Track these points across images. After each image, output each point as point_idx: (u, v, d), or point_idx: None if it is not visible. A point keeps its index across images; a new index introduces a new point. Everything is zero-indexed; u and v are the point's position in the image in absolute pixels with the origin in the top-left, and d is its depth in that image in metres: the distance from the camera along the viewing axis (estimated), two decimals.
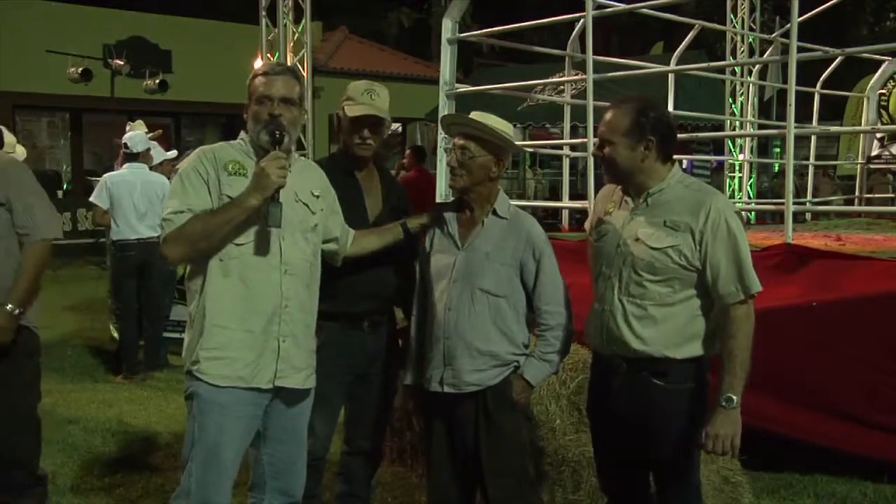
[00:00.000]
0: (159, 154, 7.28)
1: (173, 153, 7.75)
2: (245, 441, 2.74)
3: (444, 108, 6.23)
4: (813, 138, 9.14)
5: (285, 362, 2.71)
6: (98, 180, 7.09)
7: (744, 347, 2.65)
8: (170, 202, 2.68)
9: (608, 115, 2.79)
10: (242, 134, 2.83)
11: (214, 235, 2.62)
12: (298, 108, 2.78)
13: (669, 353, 2.71)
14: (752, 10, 10.56)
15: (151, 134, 7.93)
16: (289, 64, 8.85)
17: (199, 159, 2.72)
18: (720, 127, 10.26)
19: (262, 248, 2.68)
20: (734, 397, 2.63)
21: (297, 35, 8.71)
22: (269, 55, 8.57)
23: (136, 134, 6.91)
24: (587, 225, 3.11)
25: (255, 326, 2.67)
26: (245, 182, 2.66)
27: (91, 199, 6.64)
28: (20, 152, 6.51)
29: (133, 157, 6.74)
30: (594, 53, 5.59)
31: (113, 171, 7.02)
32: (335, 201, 2.99)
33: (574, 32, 7.23)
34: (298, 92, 2.78)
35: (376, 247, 3.11)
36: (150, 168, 6.92)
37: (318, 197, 2.87)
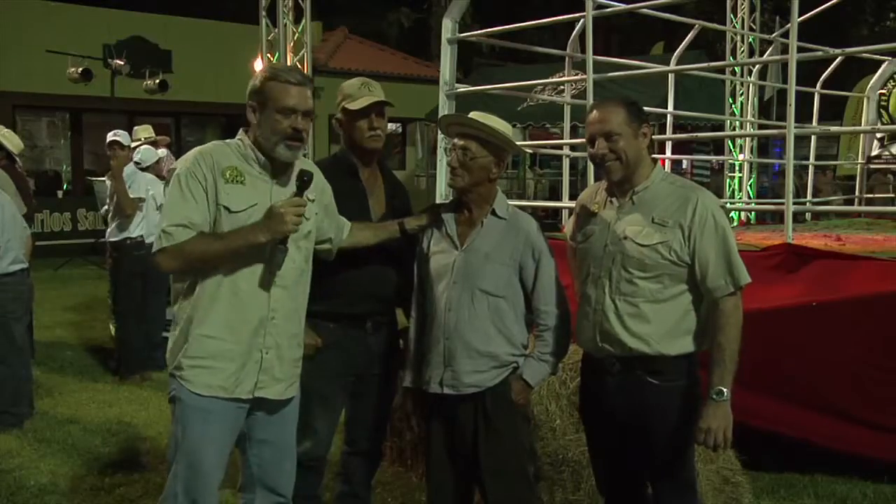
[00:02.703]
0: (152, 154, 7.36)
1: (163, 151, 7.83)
2: (229, 443, 2.72)
3: (444, 108, 6.22)
4: (813, 138, 9.13)
5: (266, 374, 2.69)
6: (97, 180, 7.10)
7: (733, 340, 2.68)
8: (169, 211, 2.58)
9: (599, 114, 2.78)
10: (242, 135, 2.73)
11: (213, 261, 2.58)
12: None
13: (664, 350, 2.72)
14: (752, 10, 10.57)
15: (158, 137, 8.04)
16: (289, 64, 8.89)
17: (198, 163, 2.62)
18: (720, 127, 10.27)
19: (264, 282, 2.65)
20: (724, 390, 2.66)
21: (297, 35, 8.71)
22: (269, 55, 8.58)
23: (146, 149, 7.01)
24: (567, 228, 3.11)
25: (241, 337, 2.64)
26: (242, 190, 2.61)
27: (132, 194, 6.50)
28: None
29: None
30: (594, 53, 5.59)
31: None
32: (331, 201, 2.95)
33: (574, 32, 7.23)
34: (313, 102, 2.76)
35: (370, 242, 3.08)
36: (144, 169, 6.95)
37: (313, 201, 2.80)
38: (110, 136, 6.61)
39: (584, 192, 3.10)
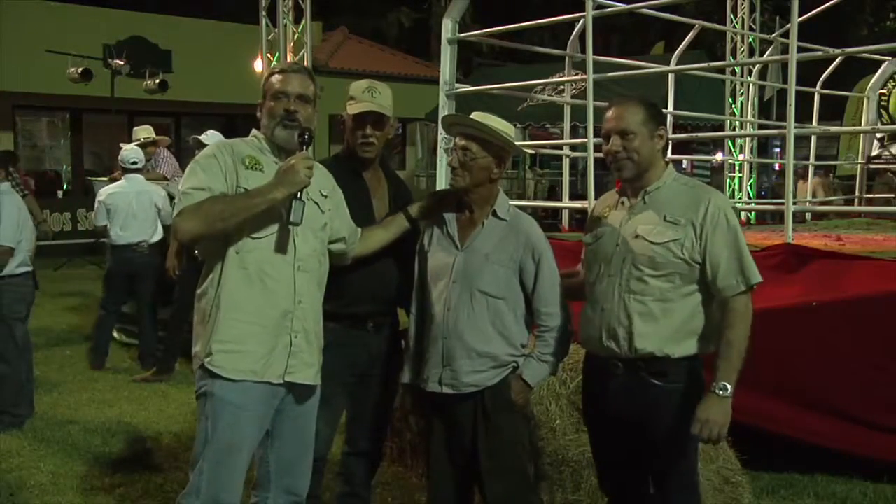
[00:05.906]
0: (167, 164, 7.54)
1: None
2: (257, 440, 2.74)
3: (444, 108, 6.23)
4: (813, 138, 9.13)
5: (296, 358, 2.73)
6: (97, 180, 7.14)
7: (742, 338, 2.69)
8: (188, 180, 2.69)
9: (617, 111, 2.80)
10: (256, 132, 2.86)
11: (233, 219, 2.61)
12: (313, 106, 2.83)
13: (668, 351, 2.72)
14: (752, 10, 10.56)
15: (158, 137, 8.08)
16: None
17: (219, 149, 2.75)
18: (720, 127, 10.27)
19: (281, 244, 2.71)
20: (728, 386, 2.66)
21: (297, 35, 8.71)
22: (269, 55, 8.58)
23: (130, 150, 7.12)
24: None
25: (268, 321, 2.68)
26: (262, 177, 2.69)
27: (96, 222, 7.00)
28: None
29: (135, 169, 6.98)
30: (594, 53, 5.59)
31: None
32: (342, 201, 2.99)
33: (574, 32, 7.22)
34: (313, 91, 2.83)
35: (384, 242, 3.10)
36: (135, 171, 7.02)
37: (326, 197, 2.87)
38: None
39: (598, 200, 3.10)
